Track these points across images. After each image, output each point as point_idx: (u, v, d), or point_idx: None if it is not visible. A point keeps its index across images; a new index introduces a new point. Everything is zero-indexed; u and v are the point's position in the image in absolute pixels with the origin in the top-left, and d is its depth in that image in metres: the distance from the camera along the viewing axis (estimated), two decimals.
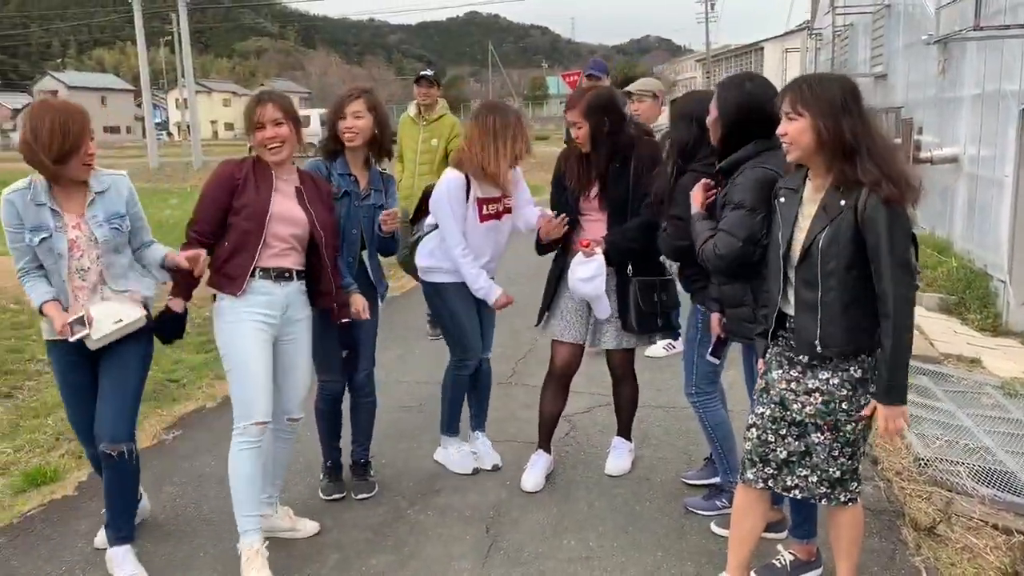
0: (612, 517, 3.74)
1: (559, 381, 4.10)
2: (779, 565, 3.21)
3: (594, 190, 3.91)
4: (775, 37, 53.50)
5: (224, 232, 3.28)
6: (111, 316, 3.13)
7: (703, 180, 3.30)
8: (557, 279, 4.04)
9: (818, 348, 2.70)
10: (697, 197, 3.27)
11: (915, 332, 6.75)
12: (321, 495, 3.97)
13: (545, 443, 4.18)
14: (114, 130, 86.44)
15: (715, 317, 3.40)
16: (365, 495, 3.95)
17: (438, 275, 4.03)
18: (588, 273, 3.76)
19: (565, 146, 4.27)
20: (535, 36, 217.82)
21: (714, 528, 3.57)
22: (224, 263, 3.28)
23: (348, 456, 4.07)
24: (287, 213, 3.31)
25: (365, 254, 3.85)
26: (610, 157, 3.83)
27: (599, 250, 3.77)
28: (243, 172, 3.30)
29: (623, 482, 4.07)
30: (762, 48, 57.05)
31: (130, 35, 39.79)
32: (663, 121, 5.55)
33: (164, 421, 5.00)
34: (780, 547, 3.28)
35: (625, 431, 4.28)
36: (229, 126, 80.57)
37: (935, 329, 6.92)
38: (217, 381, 5.57)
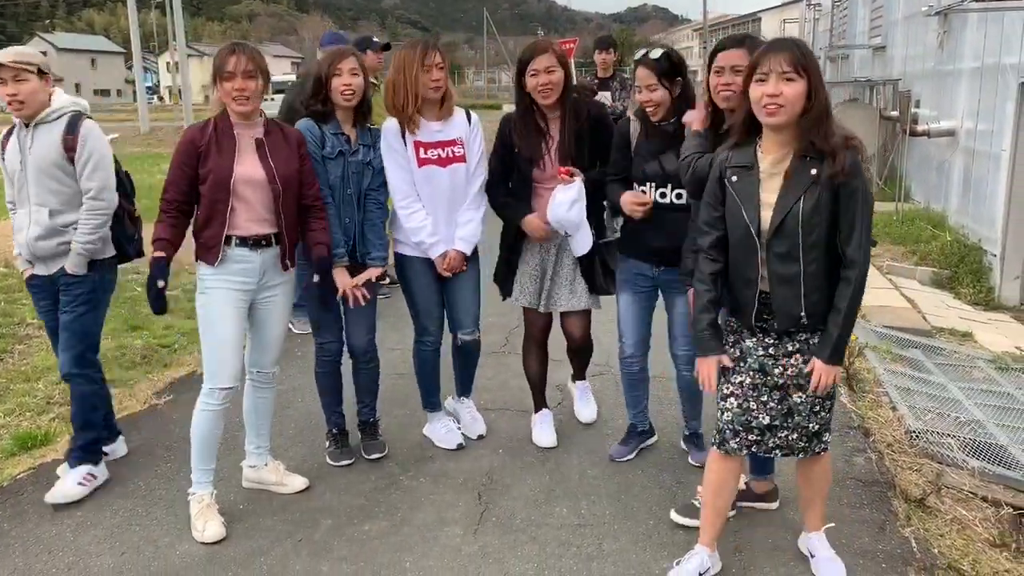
0: (604, 485, 3.74)
1: (539, 344, 4.14)
2: (698, 505, 3.35)
3: (553, 154, 3.78)
4: (773, 7, 53.11)
5: (198, 199, 3.31)
6: None
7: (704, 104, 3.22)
8: (508, 250, 4.01)
9: (804, 320, 2.69)
10: (700, 117, 3.20)
11: (908, 306, 6.82)
12: (329, 461, 3.96)
13: (543, 402, 4.25)
14: (104, 93, 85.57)
15: (692, 292, 3.34)
16: (377, 455, 3.95)
17: (397, 245, 3.93)
18: (571, 196, 3.61)
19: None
20: (531, 3, 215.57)
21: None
22: (200, 232, 3.33)
23: (354, 418, 4.06)
24: (250, 175, 3.26)
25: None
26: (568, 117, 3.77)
27: (578, 177, 3.67)
28: (205, 136, 3.27)
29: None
30: (759, 19, 56.64)
31: None
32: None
33: (155, 386, 4.98)
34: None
35: (581, 373, 4.43)
36: None
37: (928, 303, 6.94)
38: None
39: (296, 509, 3.55)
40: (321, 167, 3.60)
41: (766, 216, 2.67)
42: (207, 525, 3.32)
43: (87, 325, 3.61)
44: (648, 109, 3.47)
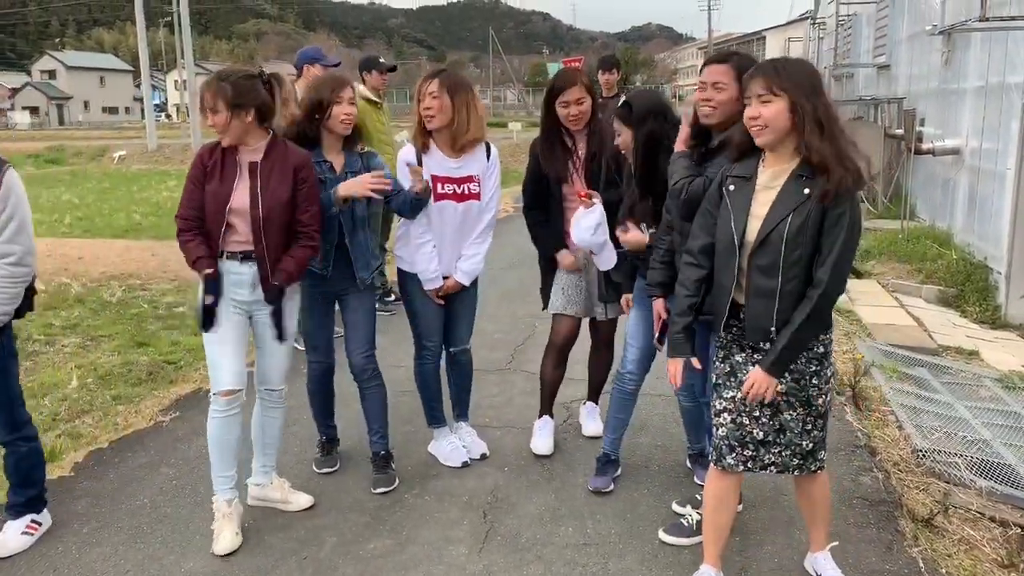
0: (610, 504, 3.73)
1: (560, 352, 4.19)
2: (686, 524, 3.42)
3: (580, 171, 3.94)
4: (777, 26, 53.35)
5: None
6: None
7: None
8: (550, 261, 4.10)
9: (773, 335, 2.70)
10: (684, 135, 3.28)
11: (914, 324, 6.79)
12: (314, 468, 4.05)
13: (548, 409, 4.27)
14: (112, 111, 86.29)
15: (659, 303, 3.40)
16: (384, 489, 3.84)
17: (399, 262, 3.99)
18: (594, 220, 3.73)
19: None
20: (536, 22, 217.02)
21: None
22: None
23: (367, 446, 4.01)
24: (243, 206, 3.29)
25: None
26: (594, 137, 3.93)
27: (597, 200, 3.76)
28: (213, 157, 3.33)
29: (620, 469, 4.06)
30: (764, 37, 56.90)
31: (130, 15, 39.53)
32: None
33: (161, 403, 4.99)
34: (675, 505, 3.51)
35: (596, 395, 4.49)
36: None
37: (934, 321, 6.92)
38: None
39: (301, 527, 3.54)
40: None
41: (752, 227, 2.71)
42: (219, 537, 3.34)
43: (6, 389, 3.39)
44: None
